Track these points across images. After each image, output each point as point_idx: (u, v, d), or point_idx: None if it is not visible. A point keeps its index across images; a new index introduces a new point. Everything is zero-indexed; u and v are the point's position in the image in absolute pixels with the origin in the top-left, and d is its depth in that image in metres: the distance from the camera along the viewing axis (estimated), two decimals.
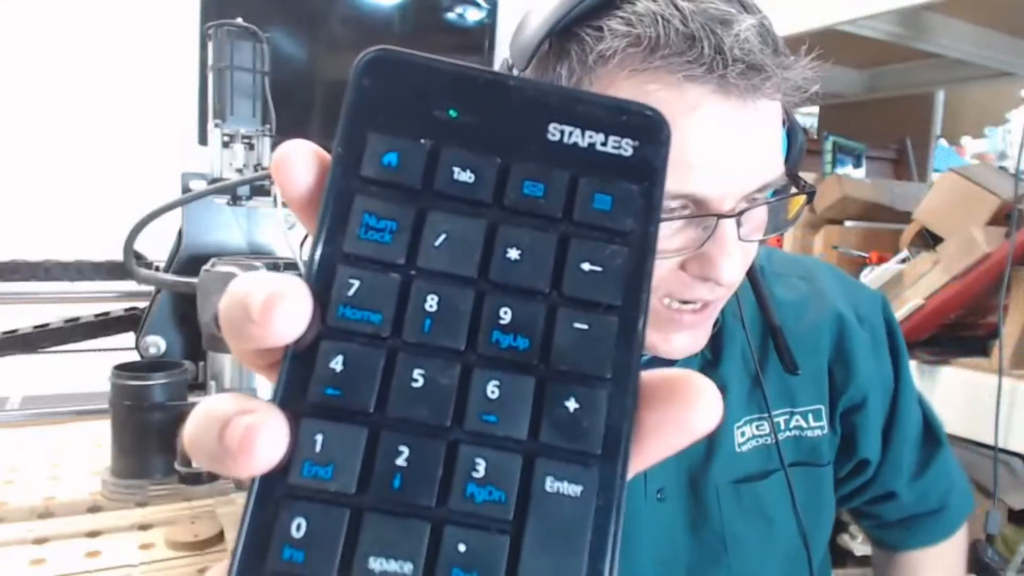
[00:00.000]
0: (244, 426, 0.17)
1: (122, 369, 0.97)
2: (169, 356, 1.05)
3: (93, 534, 0.96)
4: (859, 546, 1.03)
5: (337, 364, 0.18)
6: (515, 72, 0.48)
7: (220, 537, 0.98)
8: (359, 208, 0.19)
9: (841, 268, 0.98)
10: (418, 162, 0.19)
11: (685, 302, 0.49)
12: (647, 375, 0.19)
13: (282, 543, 0.17)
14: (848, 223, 1.24)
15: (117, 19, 2.04)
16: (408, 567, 0.16)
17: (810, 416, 0.62)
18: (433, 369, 0.18)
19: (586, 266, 0.19)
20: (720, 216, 0.45)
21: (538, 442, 0.18)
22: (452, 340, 0.18)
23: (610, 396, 0.18)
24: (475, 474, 0.17)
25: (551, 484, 0.17)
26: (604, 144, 0.20)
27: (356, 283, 0.18)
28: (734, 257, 0.46)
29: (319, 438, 0.17)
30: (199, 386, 1.03)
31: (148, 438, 0.96)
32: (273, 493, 0.17)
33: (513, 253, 0.19)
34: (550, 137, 0.20)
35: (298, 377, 0.18)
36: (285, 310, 0.17)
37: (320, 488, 0.17)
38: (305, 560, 0.17)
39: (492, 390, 0.18)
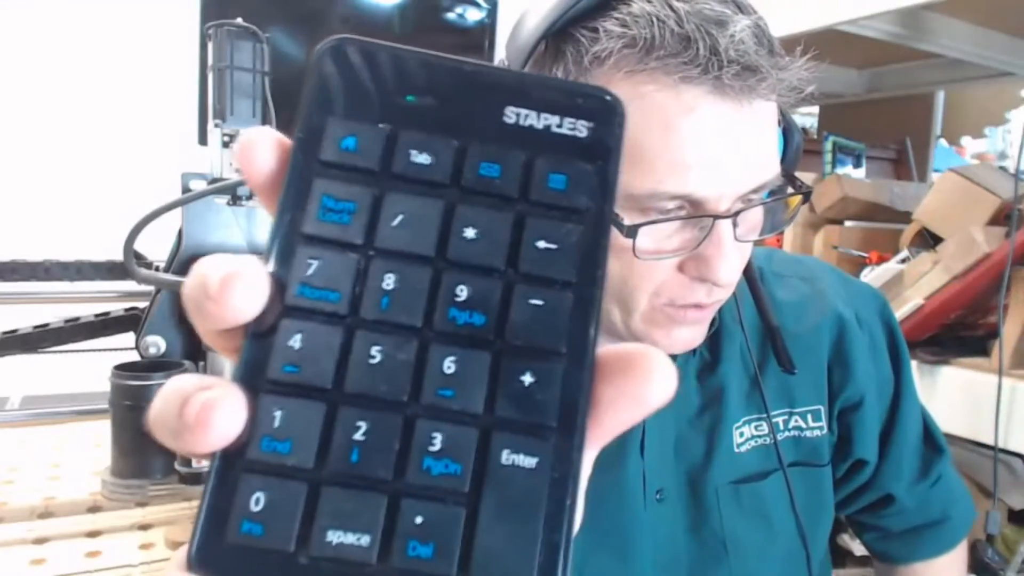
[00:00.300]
0: (201, 402, 0.17)
1: (122, 369, 0.97)
2: (169, 356, 1.05)
3: (93, 534, 0.96)
4: (859, 546, 1.03)
5: (296, 342, 0.18)
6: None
7: None
8: (318, 190, 0.19)
9: (841, 268, 0.98)
10: (376, 145, 0.19)
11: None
12: (603, 350, 0.19)
13: (241, 517, 0.17)
14: (848, 223, 1.24)
15: (117, 19, 2.04)
16: (365, 539, 0.17)
17: (809, 416, 0.62)
18: (390, 346, 0.18)
19: (541, 244, 0.19)
20: (716, 217, 0.45)
21: (494, 416, 0.18)
22: (409, 317, 0.18)
23: (565, 370, 0.18)
24: (432, 448, 0.18)
25: (507, 457, 0.18)
26: (560, 126, 0.20)
27: (315, 263, 0.19)
28: (731, 258, 0.46)
29: (278, 414, 0.18)
30: None
31: (148, 438, 0.94)
32: (232, 468, 0.17)
33: (470, 232, 0.19)
34: (506, 120, 0.20)
35: (258, 355, 0.18)
36: (241, 288, 0.18)
37: (278, 463, 0.17)
38: (264, 533, 0.17)
39: (449, 365, 0.18)
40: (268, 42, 1.14)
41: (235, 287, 0.17)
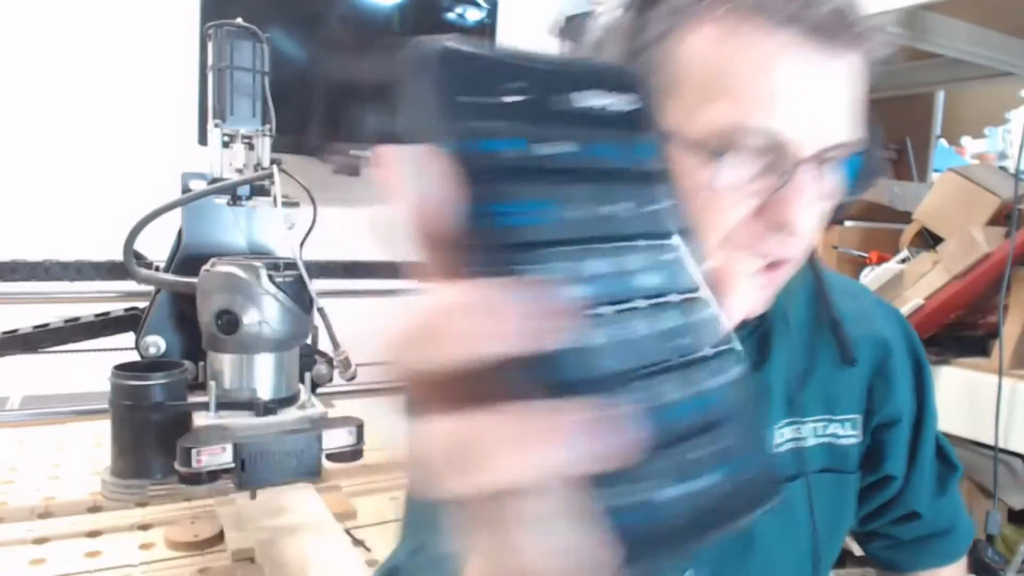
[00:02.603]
0: None
1: (122, 369, 0.97)
2: (169, 356, 1.05)
3: (93, 534, 0.96)
4: (859, 546, 1.03)
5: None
6: (604, 18, 0.50)
7: (220, 537, 0.97)
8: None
9: (841, 268, 0.98)
10: (518, 146, 0.20)
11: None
12: None
13: None
14: (848, 223, 1.24)
15: (117, 19, 2.04)
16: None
17: (848, 424, 0.62)
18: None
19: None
20: (799, 162, 0.45)
21: None
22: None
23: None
24: None
25: None
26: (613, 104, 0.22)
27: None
28: (809, 206, 0.45)
29: None
30: (199, 386, 1.02)
31: (148, 438, 0.95)
32: None
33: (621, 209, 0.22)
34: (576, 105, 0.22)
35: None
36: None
37: None
38: None
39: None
40: (268, 42, 1.14)
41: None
